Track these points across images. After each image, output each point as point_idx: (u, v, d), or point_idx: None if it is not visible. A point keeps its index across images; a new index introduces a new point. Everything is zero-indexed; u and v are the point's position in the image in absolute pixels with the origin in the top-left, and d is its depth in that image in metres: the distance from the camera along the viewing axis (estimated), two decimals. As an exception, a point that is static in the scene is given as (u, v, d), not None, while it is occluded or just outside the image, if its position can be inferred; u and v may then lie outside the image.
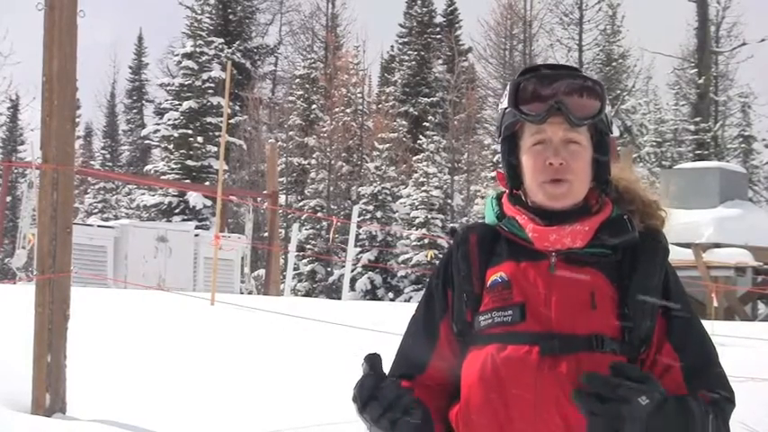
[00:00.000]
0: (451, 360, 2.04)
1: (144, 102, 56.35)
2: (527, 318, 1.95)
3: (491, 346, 1.96)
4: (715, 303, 17.74)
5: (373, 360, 1.95)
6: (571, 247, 2.00)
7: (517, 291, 1.99)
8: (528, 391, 1.91)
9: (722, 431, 1.93)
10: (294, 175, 39.50)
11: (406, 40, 46.32)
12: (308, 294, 32.10)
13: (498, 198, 2.15)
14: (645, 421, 1.78)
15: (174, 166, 35.89)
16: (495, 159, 36.57)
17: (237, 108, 42.00)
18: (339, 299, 23.31)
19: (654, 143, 40.92)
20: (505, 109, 2.08)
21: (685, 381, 1.94)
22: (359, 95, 40.92)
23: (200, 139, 36.10)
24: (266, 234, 22.71)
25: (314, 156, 38.40)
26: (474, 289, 2.04)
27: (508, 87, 2.08)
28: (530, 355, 1.92)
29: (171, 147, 36.52)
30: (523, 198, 2.09)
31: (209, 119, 36.60)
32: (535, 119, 2.01)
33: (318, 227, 34.23)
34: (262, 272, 26.58)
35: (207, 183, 33.74)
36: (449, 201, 36.06)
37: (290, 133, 40.17)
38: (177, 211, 34.12)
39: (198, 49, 37.19)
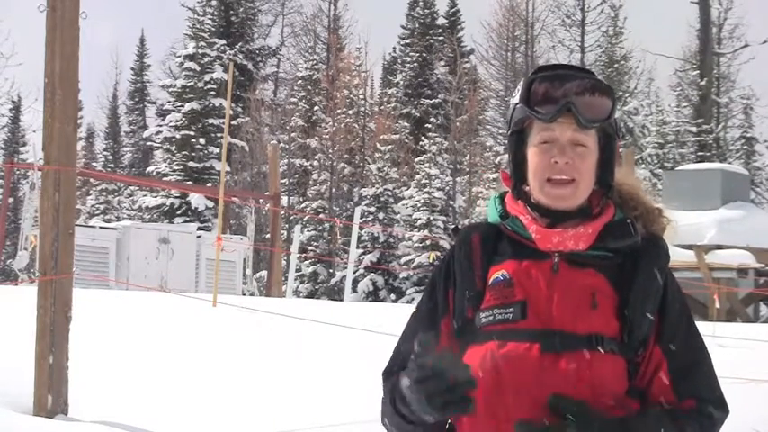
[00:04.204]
0: None
1: (146, 103, 56.32)
2: (528, 315, 1.98)
3: (491, 342, 1.98)
4: (717, 305, 17.73)
5: (429, 338, 1.94)
6: (574, 250, 2.02)
7: (519, 289, 2.01)
8: (528, 387, 1.93)
9: None
10: (296, 176, 39.53)
11: (408, 41, 46.31)
12: (310, 296, 32.10)
13: (501, 198, 2.17)
14: None
15: (176, 168, 35.94)
16: (497, 161, 36.59)
17: (239, 110, 42.01)
18: (341, 300, 23.32)
19: (656, 145, 40.86)
20: (516, 104, 2.09)
21: (673, 384, 1.98)
22: (361, 97, 40.92)
23: (202, 140, 36.15)
24: (268, 236, 22.70)
25: (316, 157, 38.42)
26: (476, 286, 2.05)
27: (521, 83, 2.09)
28: (530, 352, 1.94)
29: (173, 148, 36.57)
30: (527, 194, 2.10)
31: (210, 120, 36.63)
32: (545, 117, 2.02)
33: (320, 228, 34.25)
34: (264, 273, 26.58)
35: (209, 184, 33.77)
36: (451, 202, 36.08)
37: (292, 135, 40.21)
38: (179, 212, 34.15)
39: (200, 51, 37.23)
